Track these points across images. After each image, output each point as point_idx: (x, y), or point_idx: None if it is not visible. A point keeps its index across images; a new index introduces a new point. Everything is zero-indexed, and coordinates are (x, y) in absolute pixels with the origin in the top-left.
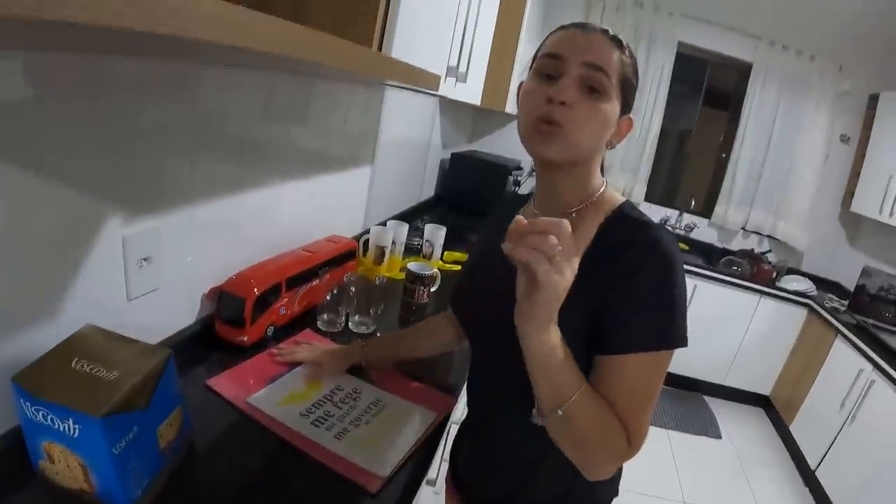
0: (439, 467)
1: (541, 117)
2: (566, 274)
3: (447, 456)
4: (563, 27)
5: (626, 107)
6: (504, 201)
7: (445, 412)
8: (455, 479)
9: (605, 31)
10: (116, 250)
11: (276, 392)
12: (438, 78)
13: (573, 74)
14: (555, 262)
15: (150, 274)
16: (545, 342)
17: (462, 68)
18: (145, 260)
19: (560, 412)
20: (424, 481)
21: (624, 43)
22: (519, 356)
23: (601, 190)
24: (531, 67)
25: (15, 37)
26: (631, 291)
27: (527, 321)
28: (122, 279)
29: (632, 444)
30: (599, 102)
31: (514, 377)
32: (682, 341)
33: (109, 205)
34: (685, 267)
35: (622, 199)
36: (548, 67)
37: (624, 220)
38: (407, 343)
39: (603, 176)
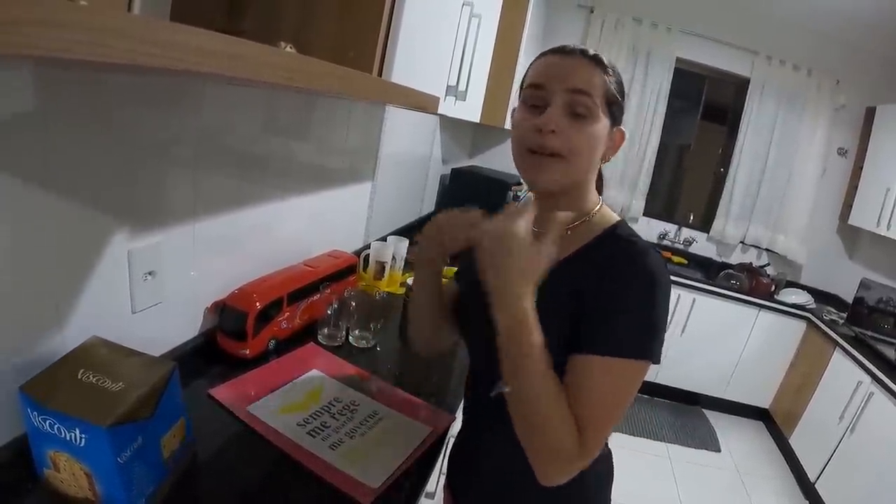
0: (437, 481)
1: (531, 148)
2: (514, 250)
3: (445, 469)
4: (543, 54)
5: (615, 121)
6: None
7: (442, 428)
8: (451, 488)
9: (585, 52)
10: (122, 264)
11: (276, 402)
12: (438, 100)
13: (558, 102)
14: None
15: (154, 288)
16: (510, 315)
17: (461, 87)
18: (150, 274)
19: (509, 388)
20: (423, 495)
21: (605, 60)
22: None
23: (597, 208)
24: (519, 96)
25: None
26: (611, 298)
27: (491, 293)
28: (128, 293)
29: (583, 447)
30: (587, 125)
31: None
32: (653, 357)
33: (115, 219)
34: (684, 282)
35: (616, 219)
36: (533, 98)
37: (614, 237)
38: (432, 313)
39: (601, 192)
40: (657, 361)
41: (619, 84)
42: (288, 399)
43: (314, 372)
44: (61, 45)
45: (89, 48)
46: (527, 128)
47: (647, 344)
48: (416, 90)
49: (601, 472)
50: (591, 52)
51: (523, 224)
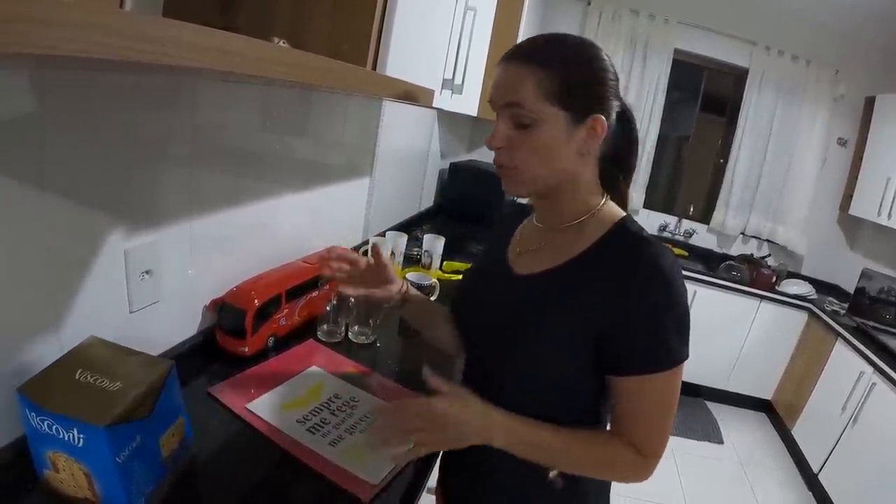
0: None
1: (496, 163)
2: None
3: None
4: (497, 63)
5: (581, 111)
6: (507, 214)
7: None
8: (445, 490)
9: (519, 52)
10: (118, 264)
11: (275, 399)
12: (433, 93)
13: (502, 117)
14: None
15: (151, 287)
16: (502, 440)
17: (458, 80)
18: (147, 273)
19: (556, 470)
20: (425, 490)
21: (541, 54)
22: (512, 367)
23: (601, 203)
24: None
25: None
26: (636, 312)
27: (480, 438)
28: (125, 292)
29: (648, 456)
30: (531, 134)
31: (506, 387)
32: (687, 354)
33: (111, 219)
34: (685, 273)
35: (622, 214)
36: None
37: (623, 235)
38: (434, 318)
39: (606, 188)
40: (688, 356)
41: (572, 69)
42: (287, 396)
43: (313, 368)
44: (50, 43)
45: (79, 45)
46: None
47: (680, 346)
48: (410, 83)
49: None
50: (531, 48)
51: (439, 404)
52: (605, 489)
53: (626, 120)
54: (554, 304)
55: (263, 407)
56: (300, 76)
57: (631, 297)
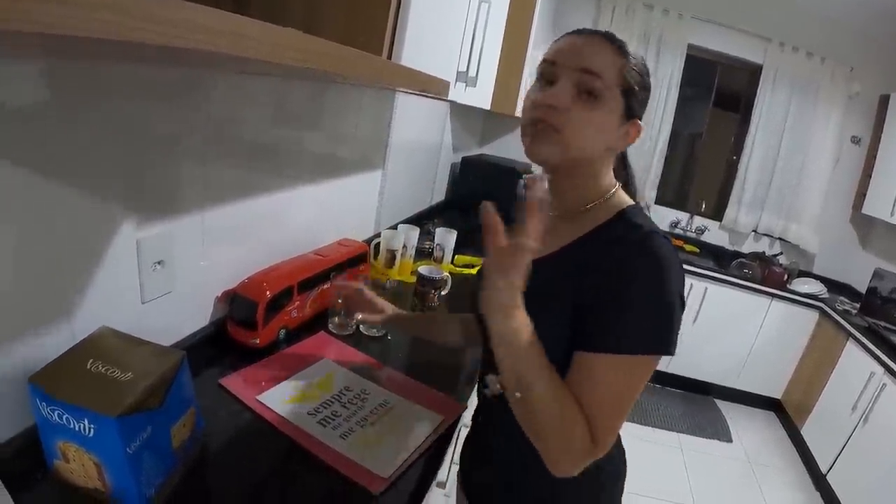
0: (449, 470)
1: (533, 120)
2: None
3: (458, 459)
4: (567, 34)
5: (631, 112)
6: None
7: (454, 416)
8: (465, 482)
9: (608, 36)
10: (131, 254)
11: (286, 391)
12: (448, 84)
13: (568, 79)
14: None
15: (163, 277)
16: (509, 325)
17: (472, 73)
18: (159, 263)
19: (518, 395)
20: (434, 484)
21: (628, 49)
22: None
23: (612, 192)
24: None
25: (33, 44)
26: (615, 290)
27: (494, 308)
28: (137, 282)
29: (597, 443)
30: (594, 108)
31: None
32: (665, 348)
33: (124, 209)
34: (696, 270)
35: (629, 203)
36: (546, 73)
37: (623, 221)
38: (427, 327)
39: (619, 180)
40: (671, 352)
41: (641, 75)
42: (298, 388)
43: (324, 361)
44: (52, 20)
45: (83, 23)
46: (532, 100)
47: (655, 337)
48: (425, 74)
49: (612, 471)
50: (617, 37)
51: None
52: (619, 479)
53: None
54: (547, 289)
55: (274, 399)
56: (316, 63)
57: (618, 277)
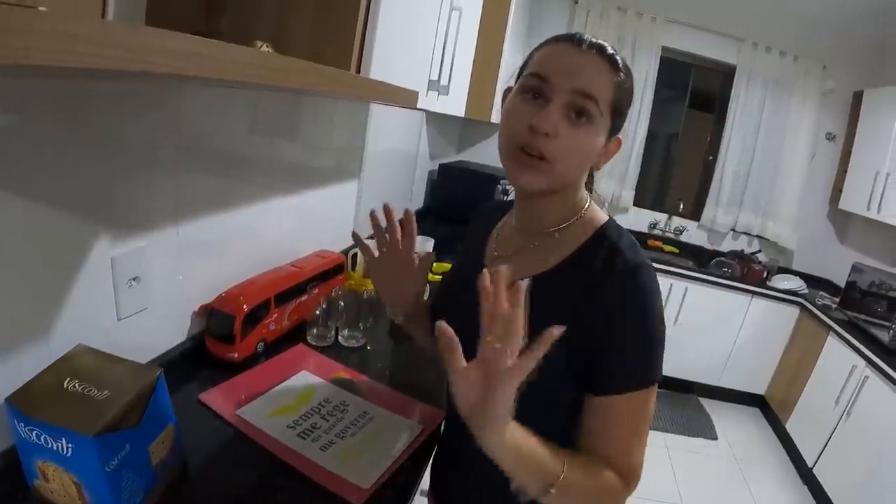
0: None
1: (521, 146)
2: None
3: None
4: (556, 39)
5: (615, 130)
6: (485, 209)
7: (434, 425)
8: (436, 491)
9: (602, 50)
10: (105, 271)
11: (265, 405)
12: (416, 94)
13: (560, 101)
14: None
15: (139, 293)
16: (507, 440)
17: (444, 81)
18: (134, 280)
19: (553, 491)
20: (418, 492)
21: (620, 62)
22: None
23: (585, 206)
24: (517, 80)
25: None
26: (614, 332)
27: (484, 425)
28: (112, 299)
29: (629, 481)
30: (585, 132)
31: None
32: (658, 376)
33: (97, 226)
34: (676, 271)
35: (605, 219)
36: (533, 88)
37: (602, 244)
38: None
39: (591, 186)
40: (660, 378)
41: (630, 90)
42: (278, 402)
43: (304, 373)
44: (19, 53)
45: (48, 54)
46: (520, 121)
47: (656, 365)
48: (392, 85)
49: None
50: (609, 49)
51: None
52: None
53: None
54: (536, 317)
55: (253, 413)
56: (279, 80)
57: (601, 314)
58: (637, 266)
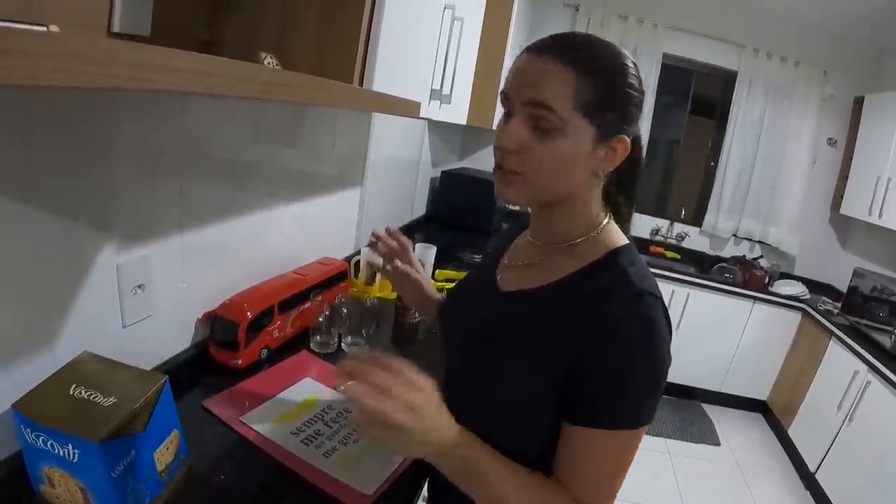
0: None
1: (499, 163)
2: (414, 414)
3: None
4: (524, 49)
5: (610, 130)
6: (510, 226)
7: None
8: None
9: (561, 51)
10: (111, 279)
11: (269, 411)
12: (418, 105)
13: (520, 116)
14: (394, 397)
15: (144, 301)
16: (453, 461)
17: (445, 91)
18: (139, 287)
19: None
20: (420, 499)
21: (586, 57)
22: (477, 384)
23: (602, 225)
24: None
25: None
26: (607, 362)
27: (430, 458)
28: (117, 307)
29: None
30: (550, 141)
31: (470, 405)
32: (648, 419)
33: (102, 234)
34: (678, 277)
35: (622, 242)
36: (505, 106)
37: (612, 270)
38: None
39: (613, 201)
40: (650, 421)
41: (612, 84)
42: (281, 408)
43: (307, 380)
44: (27, 73)
45: (54, 74)
46: (496, 140)
47: (640, 410)
48: (395, 97)
49: None
50: (572, 47)
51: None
52: None
53: (636, 144)
54: (523, 327)
55: (257, 419)
56: (285, 96)
57: (592, 338)
58: (640, 294)
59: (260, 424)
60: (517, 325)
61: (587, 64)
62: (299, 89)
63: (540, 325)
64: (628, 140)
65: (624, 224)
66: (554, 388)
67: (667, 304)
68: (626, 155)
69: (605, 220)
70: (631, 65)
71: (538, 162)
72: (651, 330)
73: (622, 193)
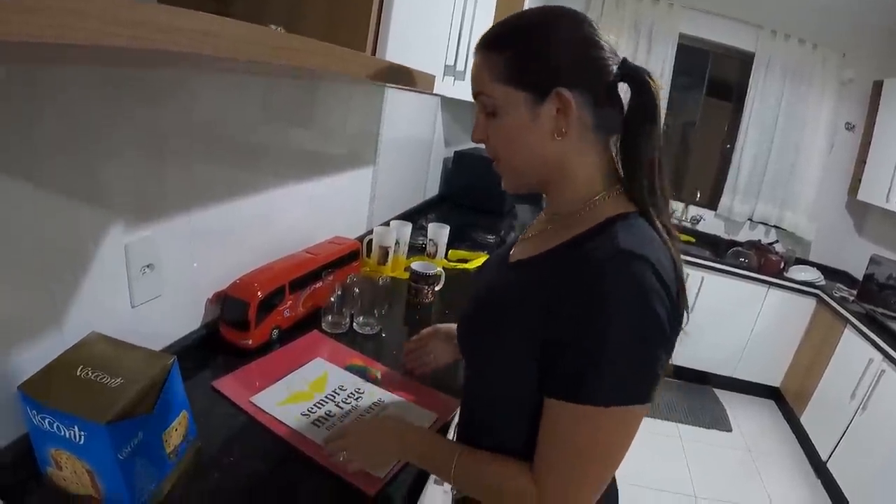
0: None
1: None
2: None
3: None
4: None
5: (541, 86)
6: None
7: (449, 414)
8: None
9: (483, 39)
10: (119, 259)
11: (279, 393)
12: (433, 78)
13: (476, 109)
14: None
15: (153, 281)
16: (399, 455)
17: (460, 67)
18: (148, 267)
19: (451, 484)
20: (432, 481)
21: (495, 35)
22: (478, 354)
23: (600, 195)
24: None
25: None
26: (585, 327)
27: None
28: (126, 287)
29: (545, 494)
30: (500, 120)
31: (473, 377)
32: (636, 398)
33: (110, 214)
34: (692, 260)
35: (623, 211)
36: None
37: (603, 238)
38: None
39: (628, 180)
40: (644, 401)
41: (522, 47)
42: (292, 389)
43: (317, 360)
44: (21, 29)
45: (49, 30)
46: None
47: (624, 386)
48: (410, 68)
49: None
50: (491, 33)
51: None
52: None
53: (634, 88)
54: (516, 297)
55: (267, 400)
56: (291, 59)
57: (573, 308)
58: (623, 254)
59: (270, 405)
60: (512, 294)
61: (493, 41)
62: (309, 55)
63: (530, 294)
64: (567, 92)
65: (638, 195)
66: (536, 361)
67: (666, 329)
68: (572, 109)
69: (603, 193)
70: (558, 18)
71: (497, 142)
72: (635, 294)
73: (627, 163)
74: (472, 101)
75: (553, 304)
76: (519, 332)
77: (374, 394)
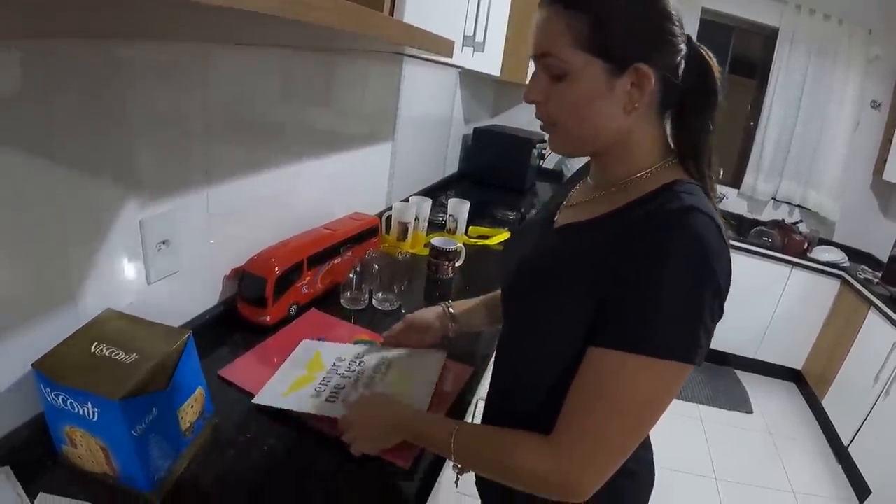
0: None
1: (536, 117)
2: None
3: None
4: None
5: (624, 58)
6: (579, 170)
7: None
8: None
9: None
10: (134, 235)
11: (280, 384)
12: (452, 43)
13: (539, 69)
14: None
15: (169, 257)
16: (396, 438)
17: (479, 38)
18: (164, 243)
19: (453, 460)
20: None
21: None
22: (525, 318)
23: (658, 165)
24: None
25: (15, 26)
26: (641, 275)
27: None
28: (142, 263)
29: (560, 447)
30: (566, 86)
31: (518, 343)
32: (675, 353)
33: (125, 189)
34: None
35: (678, 178)
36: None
37: (666, 193)
38: (491, 313)
39: (684, 149)
40: (686, 359)
41: (608, 12)
42: (290, 378)
43: (304, 343)
44: None
45: None
46: None
47: (668, 340)
48: (428, 31)
49: (629, 484)
50: None
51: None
52: (642, 495)
53: (696, 68)
54: (569, 259)
55: (270, 395)
56: (303, 15)
57: (640, 260)
58: (689, 209)
59: (275, 400)
60: (564, 257)
61: (571, 2)
62: (324, 12)
63: (585, 257)
64: (647, 68)
65: (695, 169)
66: (587, 316)
67: (722, 292)
68: (651, 84)
69: (663, 163)
70: None
71: (560, 107)
72: (696, 250)
73: (684, 141)
74: (532, 60)
75: (613, 261)
76: (572, 295)
77: (375, 355)
